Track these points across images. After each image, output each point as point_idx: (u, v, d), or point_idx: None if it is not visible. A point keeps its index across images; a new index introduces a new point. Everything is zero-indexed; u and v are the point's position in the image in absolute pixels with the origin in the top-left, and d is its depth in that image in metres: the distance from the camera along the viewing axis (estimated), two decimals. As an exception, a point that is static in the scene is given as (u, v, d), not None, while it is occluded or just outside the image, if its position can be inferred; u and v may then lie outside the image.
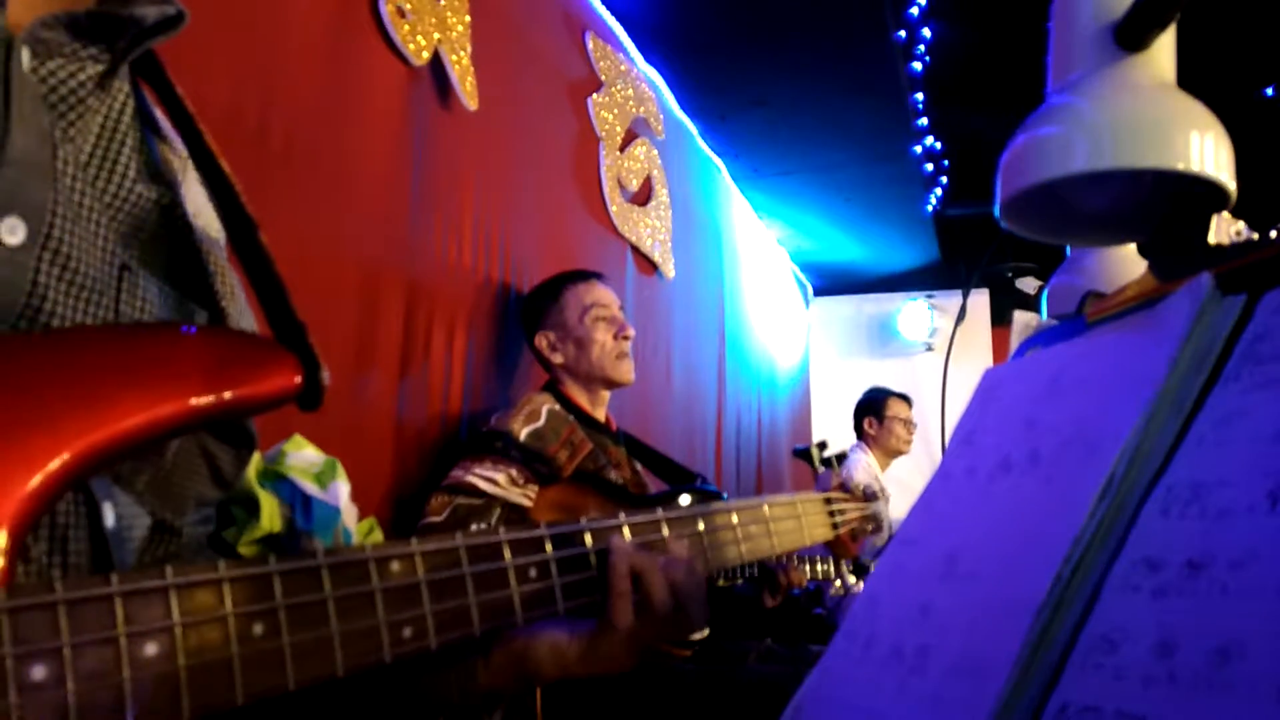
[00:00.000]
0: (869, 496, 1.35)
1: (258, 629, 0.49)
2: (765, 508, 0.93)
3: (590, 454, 1.93)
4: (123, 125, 0.64)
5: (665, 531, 0.76)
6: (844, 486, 1.33)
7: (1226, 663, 0.36)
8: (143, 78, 0.69)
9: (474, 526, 1.69)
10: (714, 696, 1.63)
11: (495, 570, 0.62)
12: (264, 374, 0.56)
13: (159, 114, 0.72)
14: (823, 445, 1.76)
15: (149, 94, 0.71)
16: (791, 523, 1.00)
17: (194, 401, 0.53)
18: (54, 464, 0.47)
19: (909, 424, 3.94)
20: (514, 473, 1.78)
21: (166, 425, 0.52)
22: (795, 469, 5.43)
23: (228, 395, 0.54)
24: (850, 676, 0.58)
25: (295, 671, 0.49)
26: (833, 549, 1.32)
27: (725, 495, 1.82)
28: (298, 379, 0.58)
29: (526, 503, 1.77)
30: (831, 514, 1.22)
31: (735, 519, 0.86)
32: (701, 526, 0.80)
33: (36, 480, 0.47)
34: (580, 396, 2.08)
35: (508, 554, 0.63)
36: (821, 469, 1.67)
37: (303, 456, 1.37)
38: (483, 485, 1.74)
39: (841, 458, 1.73)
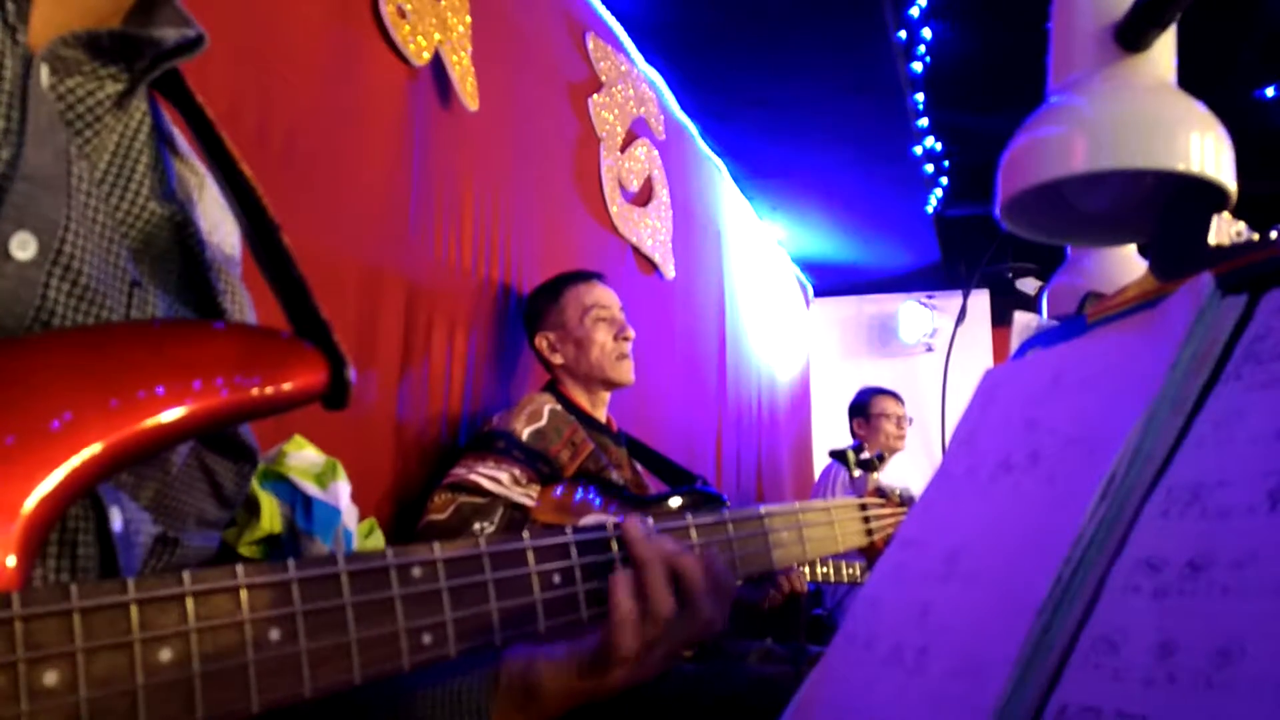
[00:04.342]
0: (905, 501, 1.31)
1: (274, 635, 0.48)
2: (798, 513, 0.90)
3: (591, 454, 1.93)
4: (138, 143, 0.65)
5: (694, 537, 0.74)
6: (881, 491, 1.30)
7: (1227, 663, 0.36)
8: (162, 92, 0.70)
9: (477, 525, 1.69)
10: (714, 696, 1.63)
11: (518, 576, 0.61)
12: (291, 371, 0.56)
13: (176, 132, 0.72)
14: (860, 448, 1.74)
15: (168, 111, 0.71)
16: (825, 529, 0.97)
17: (222, 398, 0.52)
18: (83, 458, 0.47)
19: (900, 420, 3.90)
20: (517, 472, 1.78)
21: (194, 423, 0.52)
22: (795, 470, 5.42)
23: (255, 392, 0.54)
24: (850, 676, 0.58)
25: (312, 678, 0.49)
26: (867, 556, 1.28)
27: (725, 497, 1.82)
28: (324, 376, 0.57)
29: (529, 502, 1.77)
30: (866, 519, 1.18)
31: (766, 524, 0.83)
32: (731, 531, 0.78)
33: (56, 482, 0.46)
34: (580, 397, 2.08)
35: (531, 559, 0.62)
36: (858, 472, 1.65)
37: (303, 457, 1.37)
38: (487, 484, 1.74)
39: (882, 459, 1.70)
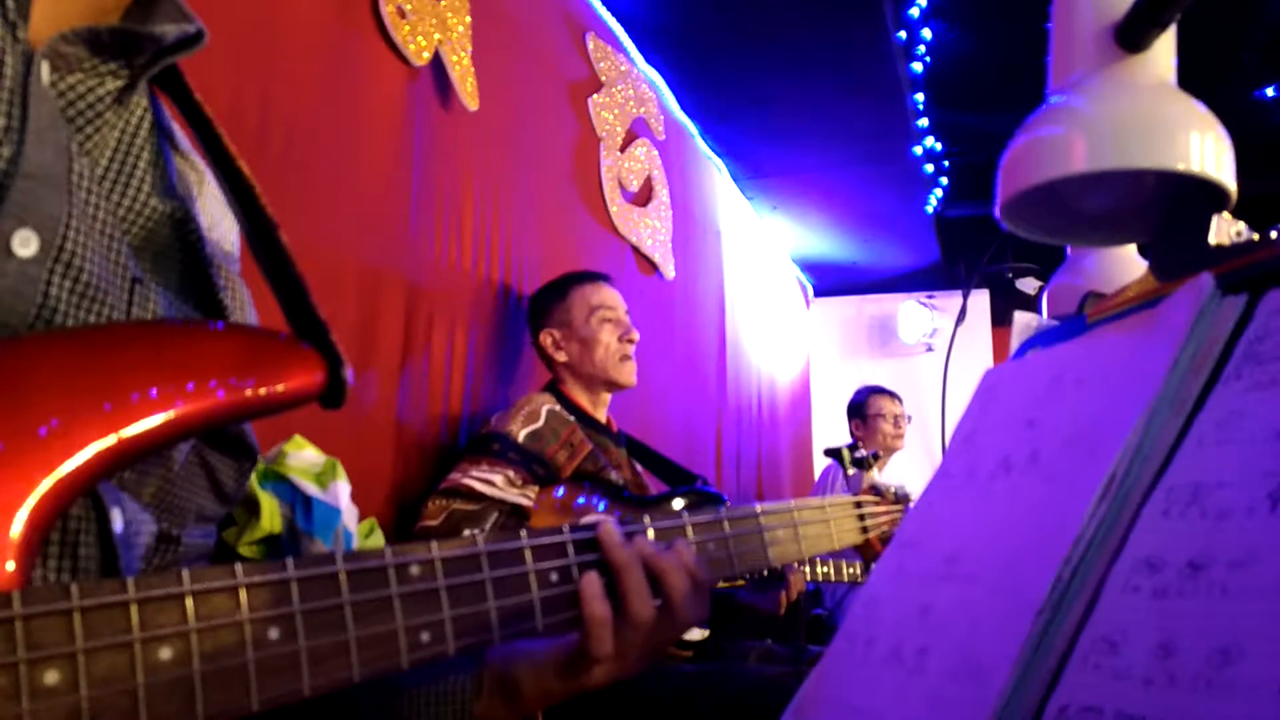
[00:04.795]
0: (900, 499, 1.32)
1: (274, 634, 0.48)
2: (793, 511, 0.90)
3: (590, 455, 1.93)
4: (139, 139, 0.65)
5: (690, 535, 0.74)
6: (875, 489, 1.30)
7: (1227, 664, 0.36)
8: (162, 89, 0.70)
9: (467, 532, 1.69)
10: (714, 696, 1.63)
11: (516, 575, 0.61)
12: (287, 372, 0.56)
13: (176, 128, 0.72)
14: (854, 446, 1.75)
15: (167, 106, 0.71)
16: (820, 526, 0.97)
17: (217, 399, 0.53)
18: (75, 464, 0.47)
19: (897, 419, 3.87)
20: (511, 474, 1.77)
21: (188, 424, 0.52)
22: (795, 470, 5.42)
23: (250, 393, 0.54)
24: (850, 677, 0.58)
25: (311, 677, 0.49)
26: (862, 553, 1.29)
27: (725, 497, 1.82)
28: (321, 377, 0.57)
29: (527, 503, 1.77)
30: (861, 517, 1.19)
31: (762, 522, 0.83)
32: (728, 529, 0.78)
33: (52, 485, 0.46)
34: (581, 397, 2.08)
35: (529, 558, 0.62)
36: (853, 470, 1.66)
37: (303, 457, 1.37)
38: (480, 488, 1.74)
39: (877, 457, 1.71)
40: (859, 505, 1.20)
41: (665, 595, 0.67)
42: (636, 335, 2.10)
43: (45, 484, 0.46)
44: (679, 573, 0.68)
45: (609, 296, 2.12)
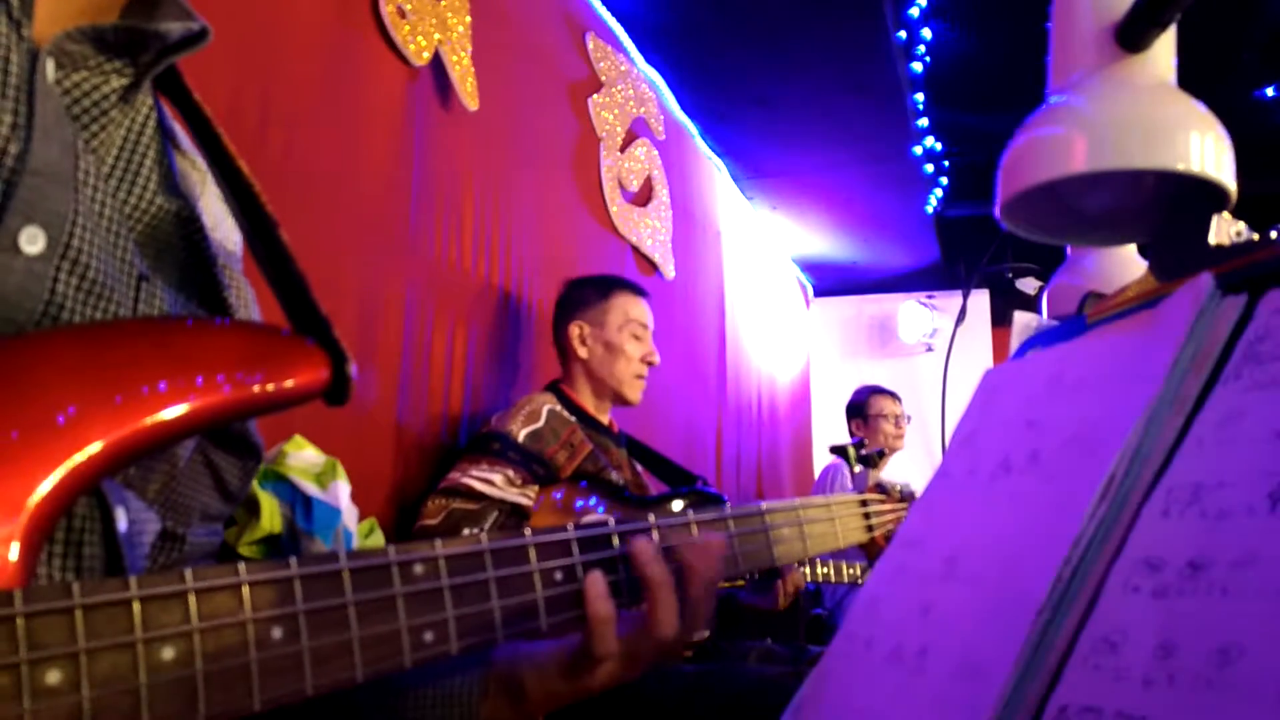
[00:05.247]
0: (906, 497, 1.32)
1: (276, 633, 0.48)
2: (798, 509, 0.90)
3: (590, 455, 1.93)
4: (145, 138, 0.65)
5: (695, 533, 0.73)
6: (881, 487, 1.30)
7: (1227, 664, 0.36)
8: (161, 89, 0.70)
9: (466, 531, 1.69)
10: (714, 696, 1.63)
11: (520, 574, 0.61)
12: (293, 368, 0.56)
13: (178, 128, 0.72)
14: (860, 444, 1.75)
15: (168, 107, 0.71)
16: (825, 525, 0.97)
17: (224, 394, 0.53)
18: (90, 453, 0.47)
19: (898, 419, 3.86)
20: (511, 474, 1.78)
21: (197, 419, 0.52)
22: (795, 470, 5.42)
23: (257, 389, 0.54)
24: (850, 677, 0.58)
25: (314, 676, 0.49)
26: (867, 552, 1.29)
27: (725, 498, 1.82)
28: (326, 373, 0.57)
29: (527, 502, 1.77)
30: (867, 516, 1.19)
31: (768, 520, 0.83)
32: (733, 528, 0.78)
33: (60, 476, 0.46)
34: (586, 398, 2.08)
35: (533, 557, 0.62)
36: (859, 468, 1.66)
37: (303, 457, 1.37)
38: (479, 487, 1.74)
39: (883, 455, 1.71)
40: (864, 504, 1.19)
41: (688, 613, 0.67)
42: (657, 360, 2.13)
43: (58, 473, 0.46)
44: (703, 595, 0.68)
45: (645, 314, 2.14)
